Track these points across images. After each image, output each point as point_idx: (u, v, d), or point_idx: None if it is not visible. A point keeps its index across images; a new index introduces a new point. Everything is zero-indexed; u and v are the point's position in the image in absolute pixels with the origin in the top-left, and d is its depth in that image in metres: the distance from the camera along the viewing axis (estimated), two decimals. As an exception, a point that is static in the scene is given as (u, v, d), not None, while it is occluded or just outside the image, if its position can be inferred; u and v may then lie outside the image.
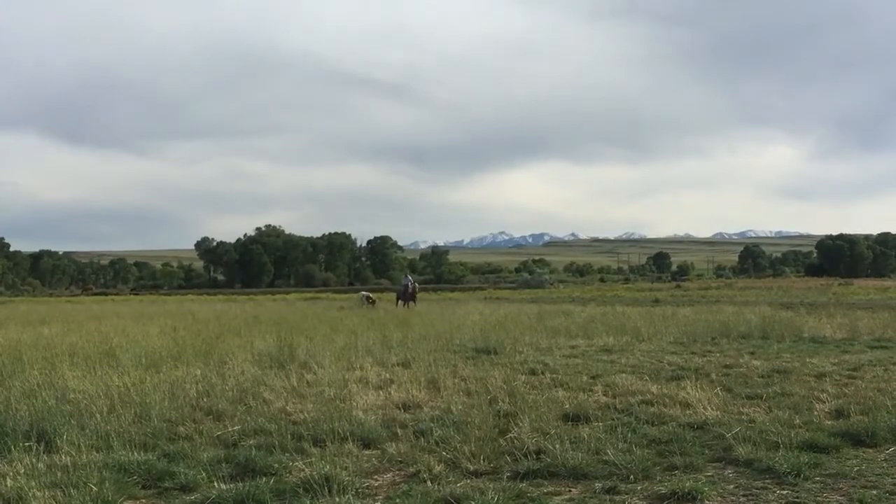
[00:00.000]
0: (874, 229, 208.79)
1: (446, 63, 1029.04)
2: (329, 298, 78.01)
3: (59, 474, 7.92)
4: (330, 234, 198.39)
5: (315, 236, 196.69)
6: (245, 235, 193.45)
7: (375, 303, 47.29)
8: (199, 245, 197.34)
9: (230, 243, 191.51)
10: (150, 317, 36.73)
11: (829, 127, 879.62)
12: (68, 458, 8.45)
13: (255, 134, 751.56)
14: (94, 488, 7.38)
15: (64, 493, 7.31)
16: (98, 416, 10.37)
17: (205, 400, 11.94)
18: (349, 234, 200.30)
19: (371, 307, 44.18)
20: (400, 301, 48.07)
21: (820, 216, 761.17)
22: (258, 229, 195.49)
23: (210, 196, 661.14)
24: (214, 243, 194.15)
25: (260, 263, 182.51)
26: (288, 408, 11.39)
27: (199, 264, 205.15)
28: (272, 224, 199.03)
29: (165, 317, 35.89)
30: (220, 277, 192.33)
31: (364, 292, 54.06)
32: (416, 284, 51.23)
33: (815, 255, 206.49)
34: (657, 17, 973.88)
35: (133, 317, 37.17)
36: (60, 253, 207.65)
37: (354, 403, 11.57)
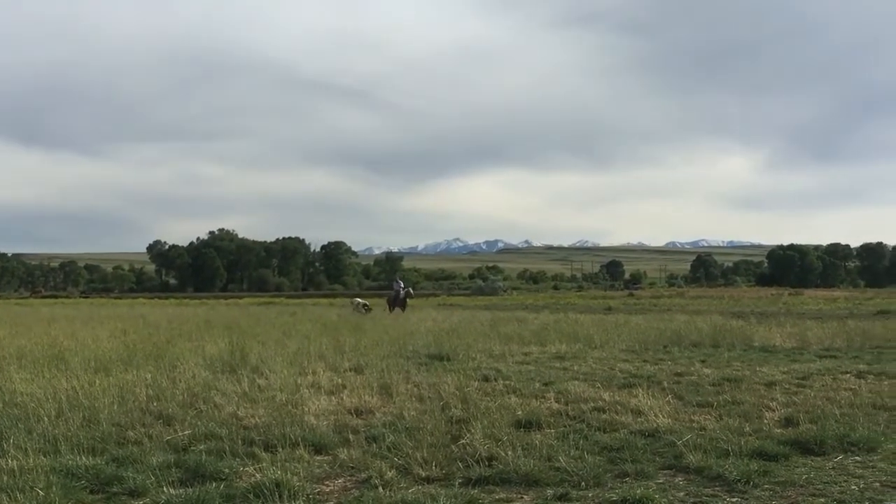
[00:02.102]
0: (824, 240, 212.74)
1: (406, 69, 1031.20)
2: (283, 303, 77.55)
3: (5, 478, 7.78)
4: (284, 238, 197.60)
5: (269, 241, 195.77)
6: (198, 239, 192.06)
7: (372, 310, 46.78)
8: (151, 248, 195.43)
9: (183, 247, 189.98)
10: (100, 320, 36.29)
11: (783, 138, 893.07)
12: (15, 463, 8.29)
13: (212, 138, 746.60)
14: (41, 493, 7.27)
15: (10, 498, 7.19)
16: (46, 419, 10.23)
17: (155, 404, 11.79)
18: (303, 239, 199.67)
19: (366, 313, 43.90)
20: (390, 306, 47.09)
21: (771, 226, 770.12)
22: (211, 233, 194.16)
23: (164, 199, 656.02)
24: (167, 247, 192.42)
25: (213, 268, 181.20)
26: (239, 412, 11.29)
27: (150, 268, 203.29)
28: (226, 228, 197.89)
29: (116, 320, 35.53)
30: (172, 281, 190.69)
31: (358, 299, 53.42)
32: (410, 290, 50.75)
33: (765, 264, 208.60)
34: (617, 28, 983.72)
35: (83, 320, 36.67)
36: (9, 255, 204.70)
37: (306, 409, 11.50)
